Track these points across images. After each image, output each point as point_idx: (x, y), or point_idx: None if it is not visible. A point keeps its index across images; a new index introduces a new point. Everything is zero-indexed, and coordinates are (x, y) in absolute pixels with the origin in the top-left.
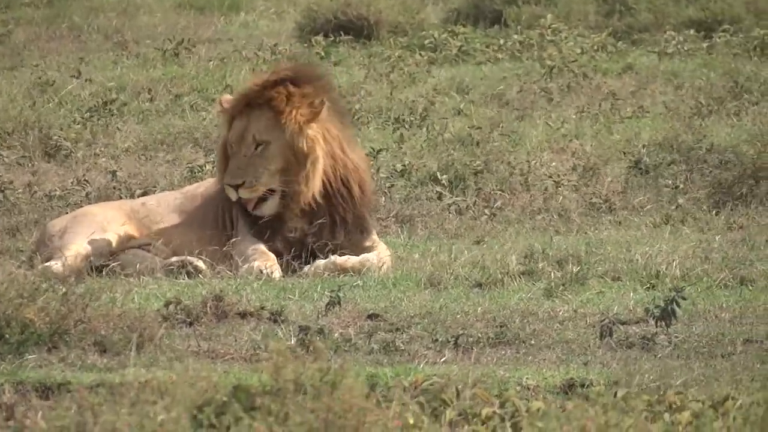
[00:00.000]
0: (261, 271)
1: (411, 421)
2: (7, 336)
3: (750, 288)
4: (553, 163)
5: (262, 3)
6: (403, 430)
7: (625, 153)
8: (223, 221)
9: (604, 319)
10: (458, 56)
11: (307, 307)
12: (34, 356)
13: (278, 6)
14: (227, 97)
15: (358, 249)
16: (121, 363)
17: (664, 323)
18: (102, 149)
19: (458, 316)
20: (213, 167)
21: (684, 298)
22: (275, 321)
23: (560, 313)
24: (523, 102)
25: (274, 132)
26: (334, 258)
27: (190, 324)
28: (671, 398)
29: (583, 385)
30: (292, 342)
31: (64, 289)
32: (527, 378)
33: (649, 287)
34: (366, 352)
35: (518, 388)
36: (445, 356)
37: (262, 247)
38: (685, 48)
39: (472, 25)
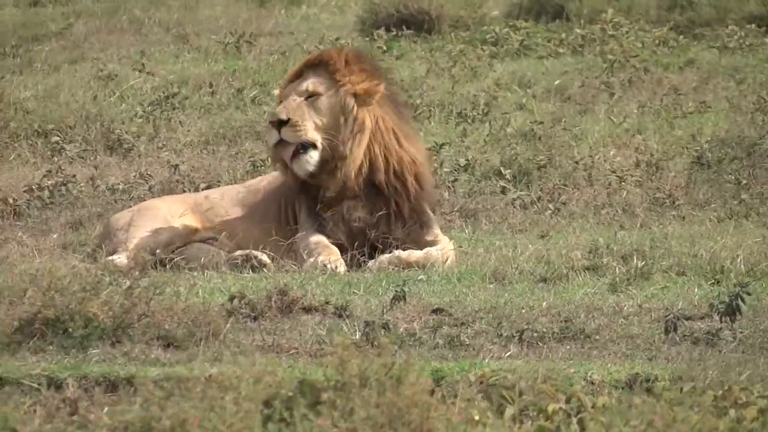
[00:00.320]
0: (325, 266)
1: (476, 417)
2: (70, 330)
3: None
4: (617, 158)
5: None
6: (466, 425)
7: (687, 148)
8: (285, 215)
9: (668, 314)
10: (520, 50)
11: (371, 302)
12: (97, 351)
13: None
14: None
15: (421, 243)
16: (186, 357)
17: (728, 318)
18: (164, 143)
19: (523, 311)
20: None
21: (749, 293)
22: (340, 316)
23: (625, 308)
24: (584, 96)
25: (328, 87)
26: (398, 252)
27: (255, 318)
28: (736, 394)
29: (647, 380)
30: (357, 337)
31: (127, 283)
32: (592, 373)
33: (713, 282)
34: (431, 347)
35: (583, 383)
36: (510, 351)
37: (326, 241)
38: (747, 43)
39: (534, 19)
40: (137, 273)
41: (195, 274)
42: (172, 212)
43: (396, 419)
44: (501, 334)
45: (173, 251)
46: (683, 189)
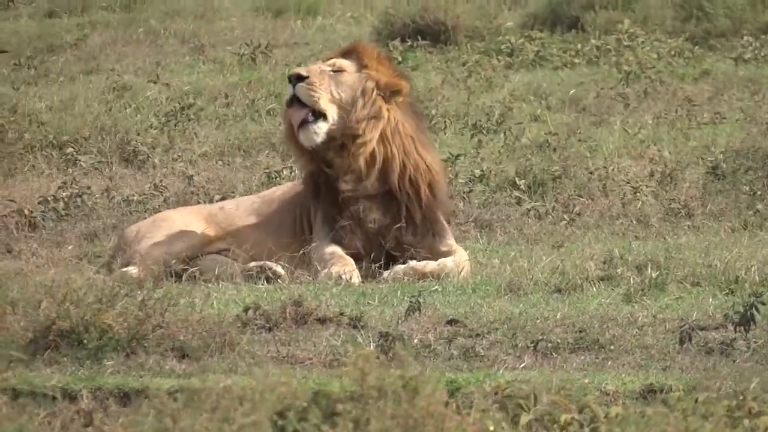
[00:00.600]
0: (340, 277)
1: (491, 428)
2: (85, 341)
3: None
4: (632, 169)
5: (340, 7)
6: None
7: (702, 159)
8: (300, 225)
9: (683, 325)
10: (535, 61)
11: (386, 313)
12: (112, 362)
13: (355, 10)
14: None
15: (435, 253)
16: (201, 369)
17: (743, 329)
18: (179, 154)
19: (538, 322)
20: (291, 172)
21: (763, 303)
22: (354, 327)
23: (639, 319)
24: (600, 107)
25: (355, 69)
26: (413, 263)
27: (270, 329)
28: (750, 404)
29: (662, 391)
30: (372, 348)
31: (142, 295)
32: (607, 383)
33: (728, 292)
34: (446, 358)
35: (597, 393)
36: (524, 362)
37: (341, 251)
38: (762, 54)
39: (549, 30)
40: (152, 284)
41: (210, 285)
42: (187, 223)
43: (411, 430)
44: (516, 345)
45: (188, 262)
46: (698, 199)
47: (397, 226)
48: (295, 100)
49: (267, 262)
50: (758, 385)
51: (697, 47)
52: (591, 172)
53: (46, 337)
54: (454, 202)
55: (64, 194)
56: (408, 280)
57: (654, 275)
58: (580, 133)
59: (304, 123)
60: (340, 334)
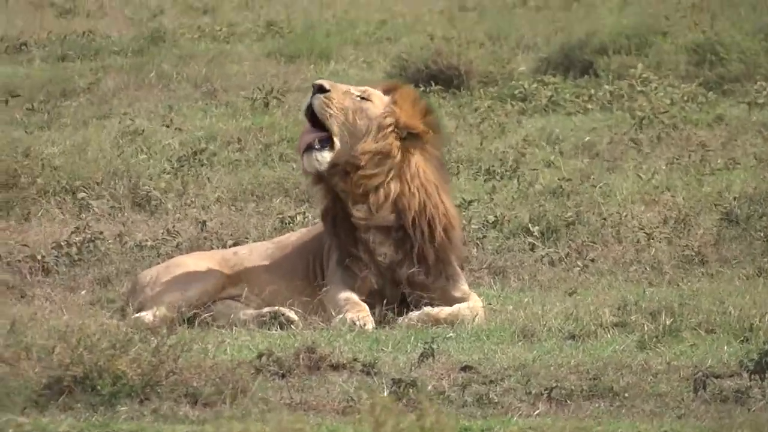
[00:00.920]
0: (354, 323)
1: None
2: (98, 387)
3: None
4: (646, 215)
5: (352, 52)
6: None
7: (716, 205)
8: (313, 271)
9: (697, 372)
10: (548, 106)
11: (400, 359)
12: (125, 408)
13: (368, 55)
14: None
15: (449, 299)
16: (214, 415)
17: (758, 376)
18: (192, 199)
19: (552, 368)
20: (304, 218)
21: None
22: (368, 373)
23: (654, 366)
24: (613, 153)
25: (384, 103)
26: (428, 309)
27: (283, 376)
28: None
29: None
30: (385, 394)
31: (155, 340)
32: (621, 431)
33: (742, 340)
34: (459, 405)
35: None
36: (538, 409)
37: (355, 297)
38: None
39: (562, 75)
40: (165, 330)
41: (223, 331)
42: (201, 268)
43: None
44: (530, 392)
45: (201, 308)
46: (712, 246)
47: (412, 270)
48: (309, 112)
49: (280, 308)
50: None
51: (710, 92)
52: (604, 218)
53: (60, 383)
54: (467, 248)
55: (77, 239)
56: (422, 326)
57: (668, 322)
58: (593, 178)
59: (309, 148)
60: (354, 380)
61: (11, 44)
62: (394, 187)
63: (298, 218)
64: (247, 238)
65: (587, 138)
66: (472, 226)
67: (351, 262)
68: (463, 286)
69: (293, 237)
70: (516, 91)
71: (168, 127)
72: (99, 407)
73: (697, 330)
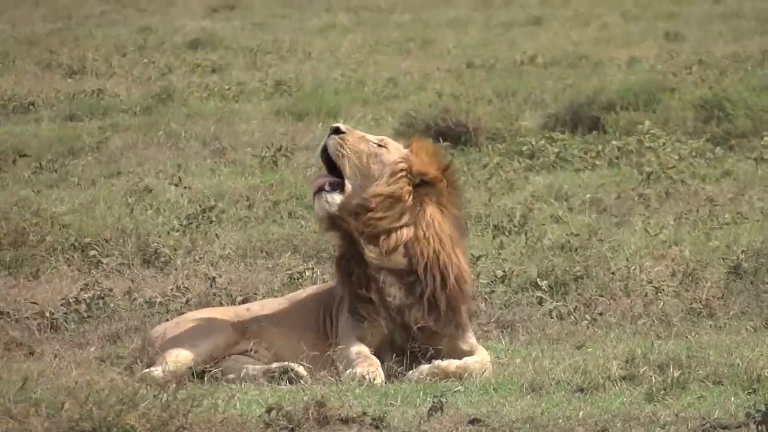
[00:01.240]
0: (363, 377)
1: None
2: None
3: None
4: (654, 269)
5: (361, 110)
6: None
7: (724, 259)
8: (324, 327)
9: (705, 424)
10: (556, 162)
11: (409, 413)
12: None
13: (376, 112)
14: None
15: (457, 352)
16: None
17: (765, 427)
18: (201, 256)
19: (560, 421)
20: (313, 273)
21: None
22: (377, 427)
23: (661, 418)
24: (621, 208)
25: (399, 152)
26: (438, 362)
27: (292, 430)
28: None
29: None
30: None
31: (165, 395)
32: None
33: (750, 392)
34: None
35: None
36: None
37: (366, 350)
38: None
39: (570, 131)
40: (174, 385)
41: (233, 386)
42: (211, 324)
43: None
44: None
45: (211, 363)
46: (719, 299)
47: (422, 314)
48: (324, 154)
49: (289, 363)
50: None
51: (717, 148)
52: (613, 273)
53: None
54: (476, 303)
55: (86, 296)
56: (430, 380)
57: (676, 374)
58: (601, 233)
59: (319, 191)
60: None
61: (19, 103)
62: (406, 233)
63: (306, 274)
64: (256, 294)
65: (595, 194)
66: (481, 281)
67: (361, 306)
68: (471, 339)
69: (305, 293)
70: (524, 148)
71: (176, 185)
72: None
73: (704, 382)
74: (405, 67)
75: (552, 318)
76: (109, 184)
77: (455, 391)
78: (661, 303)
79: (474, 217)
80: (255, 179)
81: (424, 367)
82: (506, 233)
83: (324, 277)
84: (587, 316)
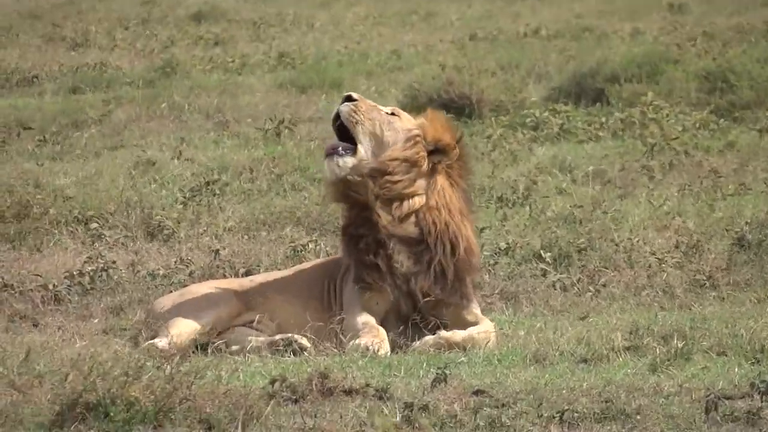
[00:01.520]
0: (368, 348)
1: None
2: (112, 414)
3: None
4: (657, 241)
5: (364, 82)
6: None
7: (727, 230)
8: (328, 298)
9: (709, 394)
10: (560, 134)
11: (412, 384)
12: None
13: (379, 85)
14: None
15: (462, 323)
16: None
17: None
18: (204, 228)
19: (563, 392)
20: (316, 245)
21: None
22: (381, 398)
23: (665, 388)
24: (624, 180)
25: (411, 120)
26: (442, 332)
27: (296, 401)
28: None
29: None
30: (398, 419)
31: (169, 367)
32: None
33: (754, 362)
34: (472, 429)
35: None
36: None
37: (372, 321)
38: None
39: (574, 103)
40: (178, 357)
41: (236, 357)
42: (215, 296)
43: None
44: (541, 415)
45: (215, 335)
46: (723, 270)
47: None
48: (337, 122)
49: (293, 335)
50: None
51: (721, 119)
52: (616, 244)
53: (73, 410)
54: (480, 275)
55: (89, 269)
56: (435, 351)
57: (680, 345)
58: (605, 205)
59: (330, 153)
60: (366, 405)
61: (23, 77)
62: (418, 201)
63: (309, 246)
64: (259, 267)
65: (599, 165)
66: (485, 253)
67: (367, 273)
68: (476, 310)
69: (309, 265)
70: (527, 120)
71: (179, 158)
72: None
73: (708, 353)
74: (408, 39)
75: (555, 290)
76: (112, 157)
77: (459, 362)
78: (665, 274)
79: (478, 189)
80: (258, 152)
81: (429, 338)
82: (510, 205)
83: (327, 249)
84: (591, 288)
